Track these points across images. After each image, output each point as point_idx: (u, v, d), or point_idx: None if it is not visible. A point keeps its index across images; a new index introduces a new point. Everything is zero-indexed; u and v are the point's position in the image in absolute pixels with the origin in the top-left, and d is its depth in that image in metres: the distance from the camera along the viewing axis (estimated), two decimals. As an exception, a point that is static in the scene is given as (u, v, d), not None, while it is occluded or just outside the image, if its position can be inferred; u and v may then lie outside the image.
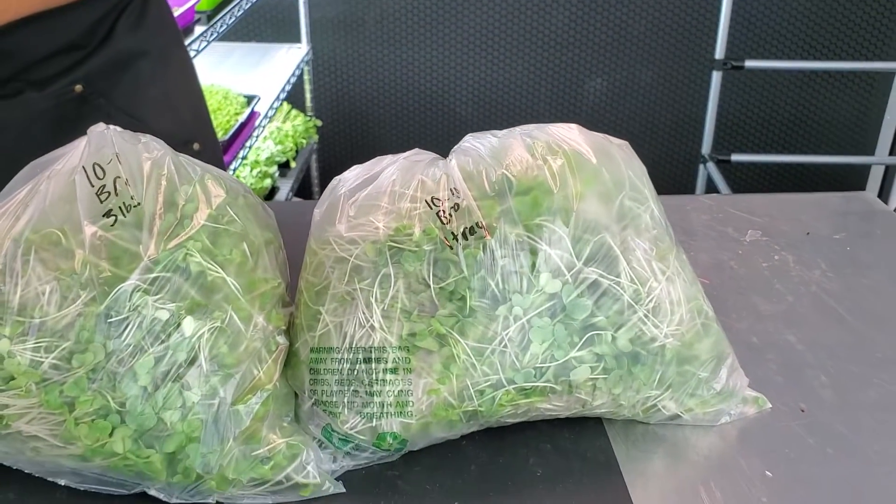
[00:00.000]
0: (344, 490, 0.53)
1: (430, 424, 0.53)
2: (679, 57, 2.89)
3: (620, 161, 0.57)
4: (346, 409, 0.53)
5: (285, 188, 2.49)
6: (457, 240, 0.51)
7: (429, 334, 0.51)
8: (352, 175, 0.59)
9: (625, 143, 0.60)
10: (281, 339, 0.55)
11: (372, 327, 0.52)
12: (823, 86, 2.93)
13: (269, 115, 2.33)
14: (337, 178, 0.60)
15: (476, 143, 0.58)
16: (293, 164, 2.57)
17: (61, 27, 0.92)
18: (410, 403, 0.52)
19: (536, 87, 2.95)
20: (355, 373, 0.52)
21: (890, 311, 0.72)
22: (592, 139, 0.57)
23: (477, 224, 0.51)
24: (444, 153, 0.58)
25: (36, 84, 0.92)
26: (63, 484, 0.52)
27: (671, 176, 3.12)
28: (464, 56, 2.90)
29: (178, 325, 0.49)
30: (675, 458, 0.57)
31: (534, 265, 0.51)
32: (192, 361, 0.49)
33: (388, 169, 0.57)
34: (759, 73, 2.88)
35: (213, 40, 1.84)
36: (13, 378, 0.47)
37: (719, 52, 2.72)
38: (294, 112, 2.76)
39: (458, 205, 0.52)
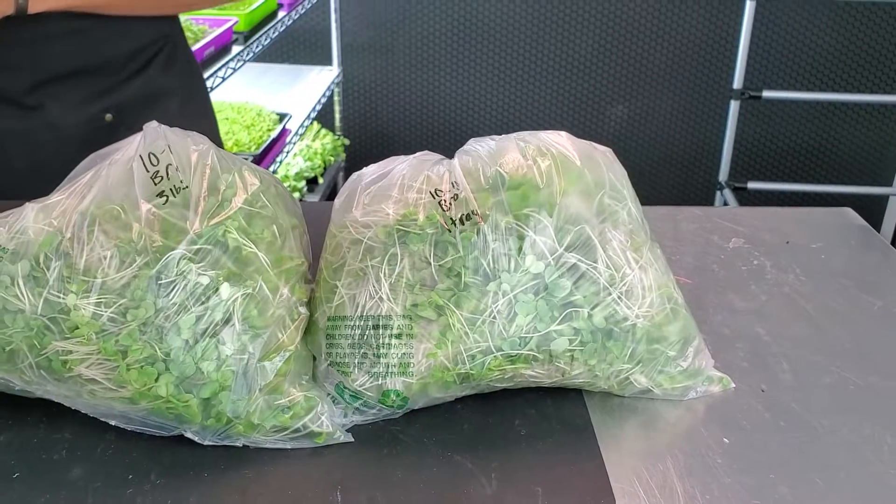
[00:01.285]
0: (353, 440, 0.61)
1: (429, 385, 0.61)
2: (698, 86, 2.97)
3: (602, 164, 0.66)
4: (356, 369, 0.61)
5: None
6: (455, 225, 0.60)
7: (429, 305, 0.60)
8: (369, 171, 0.68)
9: (608, 150, 0.68)
10: (302, 310, 0.64)
11: (381, 298, 0.60)
12: (840, 116, 2.99)
13: (300, 132, 2.44)
14: (356, 173, 0.69)
15: (476, 146, 0.66)
16: (321, 180, 2.68)
17: (94, 47, 1.00)
18: (412, 365, 0.60)
19: (560, 113, 3.05)
20: (365, 338, 0.61)
21: (854, 311, 0.79)
22: (578, 145, 0.66)
23: (472, 212, 0.60)
24: None
25: (63, 101, 1.01)
26: (113, 424, 0.60)
27: (688, 201, 3.19)
28: (489, 82, 3.01)
29: (217, 289, 0.58)
30: (645, 426, 0.65)
31: (520, 249, 0.60)
32: (226, 321, 0.58)
33: (400, 166, 0.66)
34: (777, 102, 2.95)
35: (248, 60, 1.95)
36: (77, 328, 0.56)
37: (737, 83, 2.80)
38: (323, 131, 2.88)
39: (457, 195, 0.61)
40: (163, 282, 0.57)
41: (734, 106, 2.83)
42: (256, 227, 0.62)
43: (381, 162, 0.69)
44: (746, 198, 2.99)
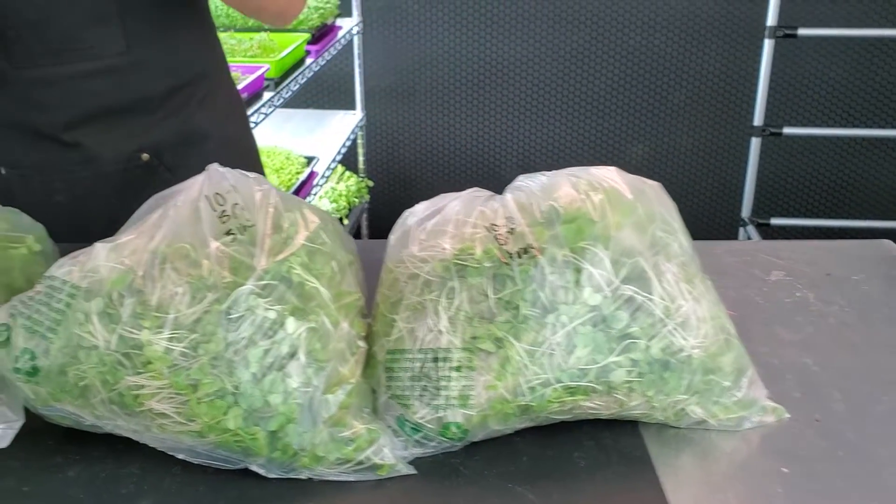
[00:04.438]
0: (415, 472, 0.62)
1: (489, 417, 0.62)
2: (718, 124, 2.99)
3: (653, 198, 0.67)
4: (416, 402, 0.62)
5: (339, 244, 2.61)
6: (512, 258, 0.61)
7: (488, 338, 0.61)
8: (420, 208, 0.70)
9: (657, 184, 0.69)
10: (361, 343, 0.65)
11: (439, 331, 0.62)
12: (862, 151, 3.00)
13: (326, 175, 2.48)
14: (407, 211, 0.71)
15: (527, 182, 0.68)
16: (346, 221, 2.71)
17: (129, 86, 1.01)
18: (472, 397, 0.61)
19: (580, 153, 3.08)
20: (425, 370, 0.62)
21: (901, 341, 0.79)
22: (628, 179, 0.67)
23: (529, 245, 0.61)
24: None
25: (100, 139, 1.03)
26: (180, 458, 0.61)
27: (712, 238, 3.19)
28: (509, 122, 3.05)
29: (283, 323, 0.60)
30: (702, 456, 0.65)
31: (578, 281, 0.61)
32: (292, 354, 0.60)
33: (453, 203, 0.68)
34: (798, 138, 2.97)
35: (279, 105, 1.99)
36: (150, 362, 0.57)
37: (757, 120, 2.82)
38: (347, 173, 2.92)
39: (513, 230, 0.62)
40: (232, 317, 0.58)
41: (755, 143, 2.85)
42: (318, 264, 0.64)
43: (431, 199, 0.71)
44: (769, 234, 3.00)
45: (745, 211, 2.91)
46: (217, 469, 0.62)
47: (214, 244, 0.60)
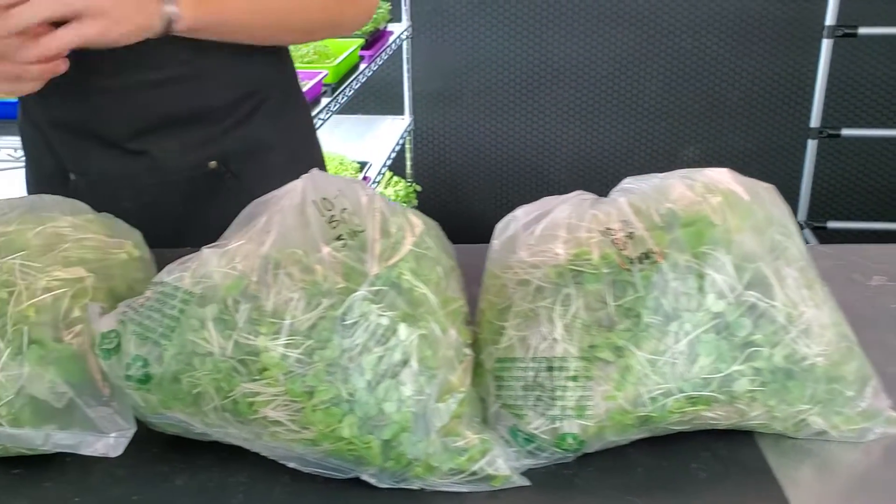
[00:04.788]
0: (529, 483, 0.61)
1: (606, 428, 0.60)
2: (774, 125, 2.94)
3: (768, 200, 0.65)
4: (530, 412, 0.60)
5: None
6: (633, 264, 0.59)
7: (607, 346, 0.59)
8: (521, 213, 0.68)
9: (771, 187, 0.67)
10: (467, 351, 0.64)
11: (554, 340, 0.60)
12: (922, 154, 2.93)
13: (377, 180, 2.47)
14: (508, 216, 0.69)
15: (638, 184, 0.66)
16: (398, 227, 2.70)
17: (195, 96, 1.00)
18: (589, 408, 0.59)
19: (630, 156, 3.04)
20: (539, 380, 0.60)
21: None
22: (743, 181, 0.65)
23: (650, 250, 0.59)
24: None
25: (167, 147, 1.03)
26: (291, 466, 0.60)
27: (765, 243, 3.14)
28: (558, 125, 3.02)
29: (395, 330, 0.58)
30: (824, 468, 0.63)
31: (701, 287, 0.59)
32: (405, 362, 0.58)
33: (560, 207, 0.66)
34: (856, 140, 2.91)
35: (335, 111, 1.99)
36: (266, 369, 0.56)
37: (815, 121, 2.76)
38: (395, 178, 2.91)
39: (632, 234, 0.60)
40: (347, 323, 0.57)
41: (812, 145, 2.80)
42: (425, 269, 0.62)
43: (533, 203, 0.69)
44: (826, 237, 2.93)
45: (801, 215, 2.86)
46: (327, 478, 0.61)
47: (326, 249, 0.59)
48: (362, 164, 2.36)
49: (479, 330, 0.66)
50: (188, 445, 0.64)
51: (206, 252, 0.62)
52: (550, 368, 0.60)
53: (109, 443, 0.59)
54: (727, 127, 2.97)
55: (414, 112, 3.00)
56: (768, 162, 3.00)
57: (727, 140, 2.99)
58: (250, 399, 0.57)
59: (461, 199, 3.17)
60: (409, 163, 3.07)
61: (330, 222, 0.61)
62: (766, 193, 0.66)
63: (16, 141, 1.85)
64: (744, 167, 2.68)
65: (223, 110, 1.03)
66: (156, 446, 0.65)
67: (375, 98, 3.01)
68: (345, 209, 0.62)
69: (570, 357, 0.59)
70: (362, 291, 0.58)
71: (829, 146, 2.91)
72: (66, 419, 0.59)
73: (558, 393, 0.60)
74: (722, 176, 0.65)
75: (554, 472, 0.62)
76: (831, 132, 2.77)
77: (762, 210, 0.64)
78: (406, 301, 0.60)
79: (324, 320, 0.57)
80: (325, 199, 0.62)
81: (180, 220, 1.05)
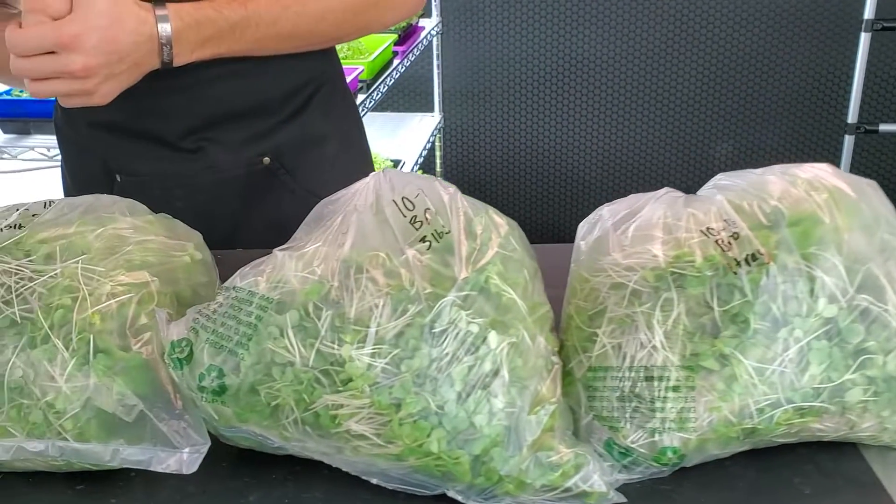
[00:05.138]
0: (625, 500, 0.57)
1: (708, 441, 0.56)
2: (809, 121, 2.88)
3: (874, 197, 0.61)
4: (627, 424, 0.56)
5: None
6: (740, 266, 0.55)
7: (711, 354, 0.55)
8: (607, 212, 0.65)
9: (874, 183, 0.63)
10: (555, 359, 0.60)
11: (654, 347, 0.56)
12: (965, 149, 2.86)
13: (410, 178, 2.44)
14: (592, 215, 0.65)
15: (733, 180, 0.62)
16: (429, 226, 2.66)
17: (248, 90, 0.98)
18: (692, 420, 0.55)
19: (662, 153, 2.99)
20: (636, 390, 0.56)
21: None
22: (846, 177, 0.61)
23: (758, 251, 0.55)
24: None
25: (221, 144, 1.00)
26: (374, 482, 0.57)
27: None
28: (589, 122, 2.98)
29: (485, 338, 0.55)
30: (940, 484, 0.58)
31: (812, 291, 0.55)
32: (496, 372, 0.55)
33: (652, 204, 0.62)
34: (895, 136, 2.84)
35: (371, 108, 1.96)
36: (351, 380, 0.53)
37: (852, 117, 2.71)
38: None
39: (737, 234, 0.56)
40: (436, 330, 0.54)
41: (849, 141, 2.74)
42: (511, 272, 0.59)
43: (618, 201, 0.65)
44: (865, 235, 2.86)
45: (840, 211, 2.79)
46: (410, 495, 0.57)
47: (410, 252, 0.56)
48: (395, 163, 2.33)
49: (565, 337, 0.62)
50: (259, 459, 0.61)
51: (280, 255, 0.59)
52: (649, 378, 0.56)
53: (183, 458, 0.55)
54: (762, 123, 2.92)
55: (444, 109, 2.96)
56: (804, 158, 2.94)
57: (762, 136, 2.93)
58: (333, 411, 0.53)
59: (492, 197, 3.12)
60: (438, 161, 3.03)
61: (413, 223, 0.57)
62: (872, 190, 0.62)
63: (48, 140, 1.83)
64: (782, 163, 2.61)
65: (278, 103, 1.00)
66: (225, 460, 0.62)
67: (405, 95, 2.98)
68: (427, 209, 0.58)
69: (671, 366, 0.56)
70: (451, 297, 0.54)
71: (866, 142, 2.85)
72: (135, 433, 0.56)
73: (658, 404, 0.56)
74: (824, 171, 0.61)
75: (650, 488, 0.58)
76: (869, 128, 2.71)
77: (869, 208, 0.59)
78: (494, 307, 0.56)
79: (411, 328, 0.53)
80: (405, 198, 0.59)
81: (233, 219, 1.03)
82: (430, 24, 2.70)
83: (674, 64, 2.87)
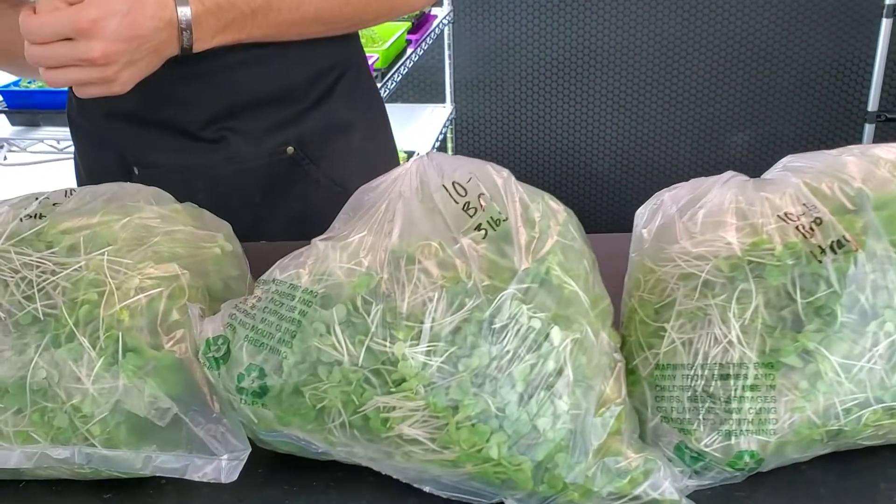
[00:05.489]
0: (699, 508, 0.53)
1: (788, 444, 0.52)
2: (827, 110, 2.82)
3: (959, 180, 0.56)
4: (700, 427, 0.52)
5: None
6: (825, 253, 0.51)
7: (793, 350, 0.51)
8: (668, 198, 0.60)
9: (958, 164, 0.58)
10: (618, 356, 0.56)
11: (730, 343, 0.52)
12: None
13: (424, 169, 2.39)
14: (651, 201, 0.61)
15: (807, 162, 0.58)
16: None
17: (272, 76, 0.94)
18: (771, 421, 0.51)
19: (676, 142, 2.94)
20: (710, 390, 0.52)
21: None
22: (929, 158, 0.57)
23: (843, 238, 0.51)
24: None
25: (243, 134, 0.96)
26: (427, 490, 0.53)
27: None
28: (602, 112, 2.93)
29: (548, 334, 0.50)
30: None
31: (903, 280, 0.50)
32: (559, 371, 0.50)
33: (718, 189, 0.58)
34: (916, 124, 2.79)
35: (385, 99, 1.91)
36: (404, 380, 0.48)
37: (872, 105, 2.65)
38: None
39: (819, 219, 0.52)
40: (496, 326, 0.49)
41: (869, 129, 2.69)
42: (572, 263, 0.54)
43: (679, 186, 0.61)
44: (885, 225, 2.81)
45: (860, 201, 2.75)
46: (463, 503, 0.53)
47: (465, 241, 0.51)
48: (409, 154, 2.28)
49: (627, 332, 0.58)
50: (299, 464, 0.57)
51: (322, 245, 0.54)
52: (725, 376, 0.52)
53: (221, 466, 0.51)
54: (778, 112, 2.86)
55: (455, 100, 2.91)
56: (822, 147, 2.88)
57: (778, 125, 2.88)
58: (384, 414, 0.49)
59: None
60: (450, 152, 2.98)
61: (466, 209, 0.53)
62: (956, 172, 0.57)
63: (58, 132, 1.79)
64: (797, 153, 2.54)
65: (302, 89, 0.96)
66: (262, 465, 0.58)
67: (416, 86, 2.93)
68: (482, 194, 0.54)
69: (748, 363, 0.51)
70: (511, 289, 0.50)
71: (887, 130, 2.79)
72: (169, 439, 0.52)
73: (734, 404, 0.51)
74: (905, 152, 0.56)
75: (723, 494, 0.54)
76: (889, 116, 2.66)
77: (957, 190, 0.55)
78: (556, 300, 0.52)
79: (468, 323, 0.49)
80: (456, 183, 0.54)
81: (254, 212, 0.98)
82: (441, 13, 2.65)
83: (687, 52, 2.82)
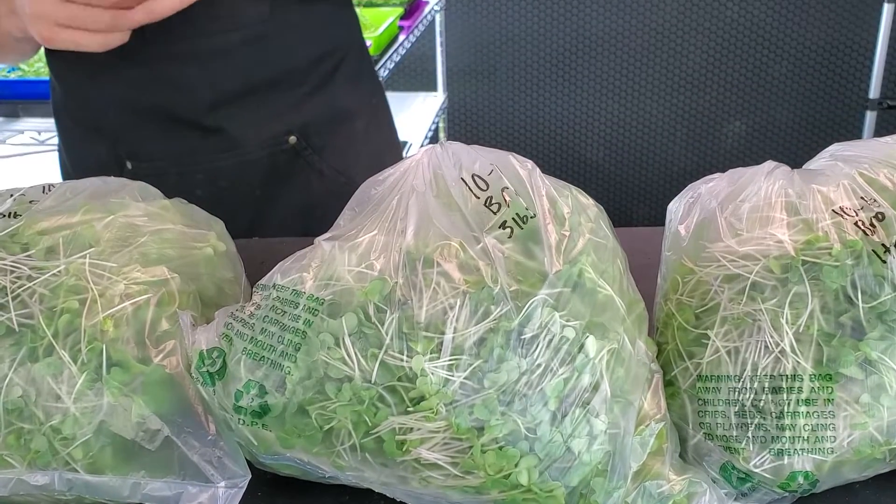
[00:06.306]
0: (747, 535, 0.48)
1: (846, 463, 0.47)
2: (827, 97, 2.78)
3: None
4: (749, 445, 0.47)
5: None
6: (889, 253, 0.46)
7: (854, 360, 0.46)
8: (705, 191, 0.55)
9: None
10: (654, 367, 0.51)
11: (782, 352, 0.47)
12: None
13: (418, 160, 2.34)
14: (685, 193, 0.56)
15: (858, 150, 0.53)
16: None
17: (272, 57, 0.90)
18: (829, 439, 0.46)
19: (671, 131, 2.89)
20: (759, 404, 0.47)
21: None
22: None
23: (910, 235, 0.46)
24: None
25: (241, 122, 0.90)
26: (446, 518, 0.48)
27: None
28: (596, 100, 2.87)
29: (582, 345, 0.45)
30: None
31: (976, 282, 0.46)
32: (595, 386, 0.45)
33: (761, 180, 0.53)
34: (917, 112, 2.75)
35: (379, 85, 1.85)
36: (423, 398, 0.43)
37: (874, 92, 2.61)
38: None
39: (881, 214, 0.47)
40: (525, 336, 0.44)
41: (870, 117, 2.65)
42: (606, 264, 0.49)
43: (716, 177, 0.56)
44: (884, 214, 2.78)
45: (860, 190, 2.71)
46: (487, 531, 0.48)
47: (490, 240, 0.46)
48: (402, 144, 2.22)
49: (663, 339, 0.52)
50: (302, 486, 0.52)
51: (327, 246, 0.49)
52: (777, 389, 0.47)
53: (218, 494, 0.46)
54: (776, 99, 2.82)
55: (448, 89, 2.85)
56: (823, 136, 2.85)
57: (777, 113, 2.83)
58: (400, 436, 0.44)
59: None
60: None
61: (488, 205, 0.48)
62: None
63: (39, 123, 1.72)
64: (796, 142, 2.50)
65: (302, 72, 0.91)
66: (261, 488, 0.52)
67: (407, 75, 2.87)
68: (505, 188, 0.48)
69: (803, 374, 0.46)
70: (542, 295, 0.45)
71: (889, 118, 2.75)
72: (159, 464, 0.46)
73: (787, 420, 0.46)
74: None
75: (771, 518, 0.49)
76: (891, 103, 2.62)
77: None
78: (590, 306, 0.47)
79: (495, 334, 0.44)
80: (476, 175, 0.49)
81: (255, 205, 0.93)
82: (432, 0, 2.58)
83: (681, 38, 2.77)
